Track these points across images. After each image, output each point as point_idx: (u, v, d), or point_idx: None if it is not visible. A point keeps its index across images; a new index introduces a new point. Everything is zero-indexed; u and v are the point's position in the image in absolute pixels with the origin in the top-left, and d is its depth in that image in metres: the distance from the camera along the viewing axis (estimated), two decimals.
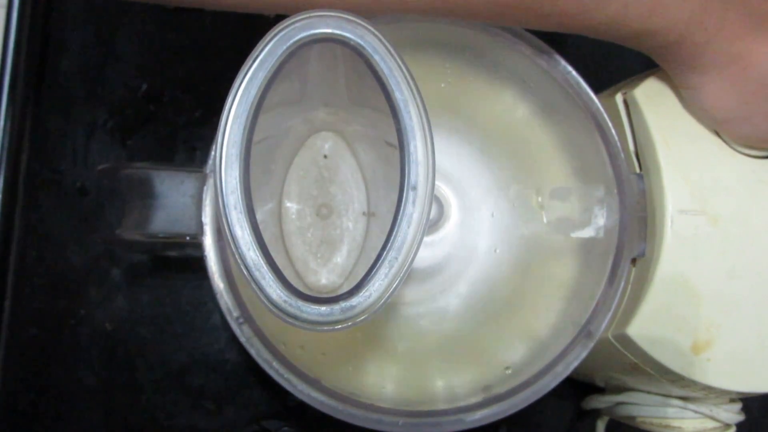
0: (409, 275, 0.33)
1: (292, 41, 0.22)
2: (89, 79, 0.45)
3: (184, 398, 0.44)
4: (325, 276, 0.30)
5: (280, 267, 0.22)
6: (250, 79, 0.22)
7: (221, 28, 0.47)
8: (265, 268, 0.21)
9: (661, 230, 0.30)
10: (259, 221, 0.22)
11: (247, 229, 0.21)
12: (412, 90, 0.23)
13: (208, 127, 0.46)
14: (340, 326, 0.22)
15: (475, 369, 0.33)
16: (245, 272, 0.21)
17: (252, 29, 0.47)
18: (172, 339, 0.44)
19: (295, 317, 0.22)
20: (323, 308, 0.22)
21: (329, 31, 0.22)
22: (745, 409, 0.36)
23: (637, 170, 0.32)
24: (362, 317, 0.22)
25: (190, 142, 0.46)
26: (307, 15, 0.22)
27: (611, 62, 0.48)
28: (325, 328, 0.22)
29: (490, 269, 0.34)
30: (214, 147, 0.22)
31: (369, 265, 0.22)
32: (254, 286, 0.21)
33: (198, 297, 0.44)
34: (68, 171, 0.44)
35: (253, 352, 0.28)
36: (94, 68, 0.45)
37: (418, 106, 0.23)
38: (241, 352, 0.44)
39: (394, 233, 0.22)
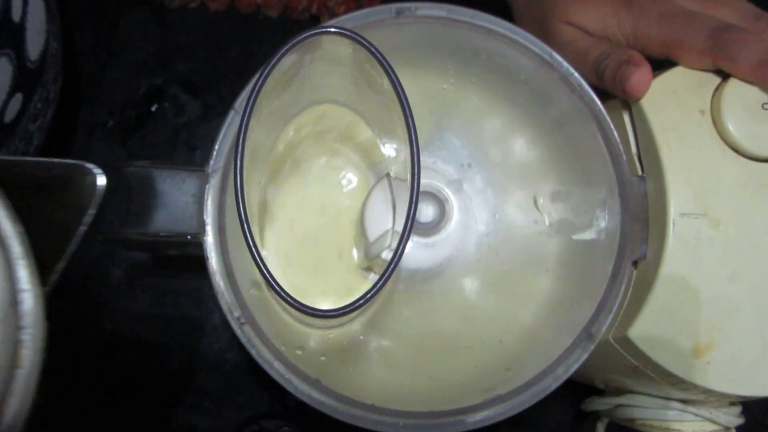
0: (410, 276, 0.33)
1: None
2: (89, 79, 0.45)
3: (184, 398, 0.43)
4: None
5: None
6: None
7: (221, 28, 0.47)
8: None
9: (663, 233, 0.30)
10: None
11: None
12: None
13: (208, 127, 0.46)
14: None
15: (475, 370, 0.33)
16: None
17: (252, 29, 0.47)
18: (172, 339, 0.44)
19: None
20: None
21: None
22: (747, 410, 0.36)
23: (639, 173, 0.32)
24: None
25: (190, 142, 0.46)
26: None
27: None
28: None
29: (491, 271, 0.34)
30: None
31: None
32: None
33: (198, 297, 0.44)
34: None
35: (253, 352, 0.28)
36: (94, 68, 0.45)
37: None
38: (241, 352, 0.44)
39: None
